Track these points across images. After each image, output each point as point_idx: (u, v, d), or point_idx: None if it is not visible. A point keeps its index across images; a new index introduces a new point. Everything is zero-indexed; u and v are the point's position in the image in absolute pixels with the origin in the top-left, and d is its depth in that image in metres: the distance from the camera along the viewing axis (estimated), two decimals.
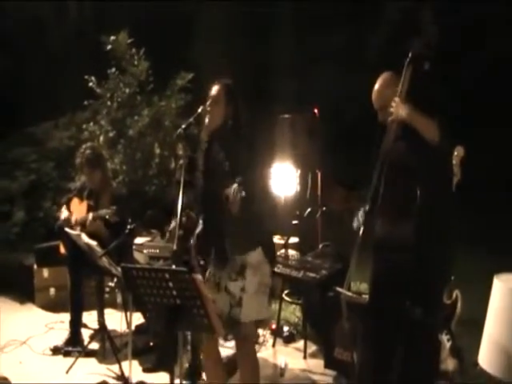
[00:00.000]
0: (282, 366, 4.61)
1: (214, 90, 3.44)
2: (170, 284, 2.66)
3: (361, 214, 3.47)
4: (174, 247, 3.26)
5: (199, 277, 2.68)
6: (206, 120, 3.39)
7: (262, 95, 9.24)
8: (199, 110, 3.43)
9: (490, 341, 2.00)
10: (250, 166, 3.31)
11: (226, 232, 3.34)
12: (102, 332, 4.78)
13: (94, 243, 4.31)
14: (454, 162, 4.16)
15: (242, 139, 3.36)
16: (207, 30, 10.78)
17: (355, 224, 3.49)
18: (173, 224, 4.67)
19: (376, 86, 3.41)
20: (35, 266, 6.23)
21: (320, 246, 5.38)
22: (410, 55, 3.23)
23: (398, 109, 3.16)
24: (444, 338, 4.11)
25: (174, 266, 3.31)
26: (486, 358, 2.01)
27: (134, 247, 5.24)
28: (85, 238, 4.38)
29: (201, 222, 3.52)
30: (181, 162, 3.53)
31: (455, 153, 4.19)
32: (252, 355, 3.60)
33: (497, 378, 1.93)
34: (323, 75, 10.11)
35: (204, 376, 4.34)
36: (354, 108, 8.71)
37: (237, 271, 3.35)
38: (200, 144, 3.45)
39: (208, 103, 3.40)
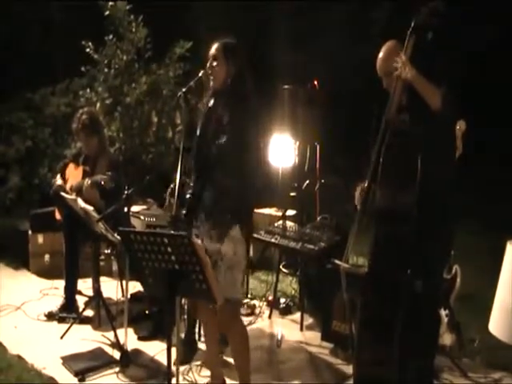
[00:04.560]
0: (279, 337, 4.60)
1: (214, 49, 3.33)
2: (169, 249, 2.60)
3: (361, 186, 3.43)
4: (173, 213, 3.20)
5: (198, 241, 2.63)
6: (211, 82, 3.30)
7: (263, 66, 9.11)
8: (200, 74, 3.35)
9: (502, 307, 1.96)
10: (247, 128, 3.22)
11: (216, 191, 3.23)
12: (96, 299, 4.73)
13: (90, 208, 4.23)
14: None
15: (243, 100, 3.26)
16: None
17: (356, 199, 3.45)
18: (169, 190, 4.60)
19: (380, 54, 3.36)
20: (30, 232, 6.15)
21: (318, 218, 5.32)
22: (412, 24, 3.18)
23: (404, 68, 3.11)
24: (442, 312, 4.09)
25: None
26: (498, 324, 1.98)
27: (130, 214, 5.18)
28: (81, 202, 4.30)
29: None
30: (179, 128, 3.47)
31: (457, 126, 4.13)
32: (235, 320, 3.48)
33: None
34: (325, 46, 9.97)
35: (200, 345, 4.33)
36: (355, 80, 8.63)
37: (217, 235, 3.22)
38: (200, 106, 3.37)
39: (208, 63, 3.31)
